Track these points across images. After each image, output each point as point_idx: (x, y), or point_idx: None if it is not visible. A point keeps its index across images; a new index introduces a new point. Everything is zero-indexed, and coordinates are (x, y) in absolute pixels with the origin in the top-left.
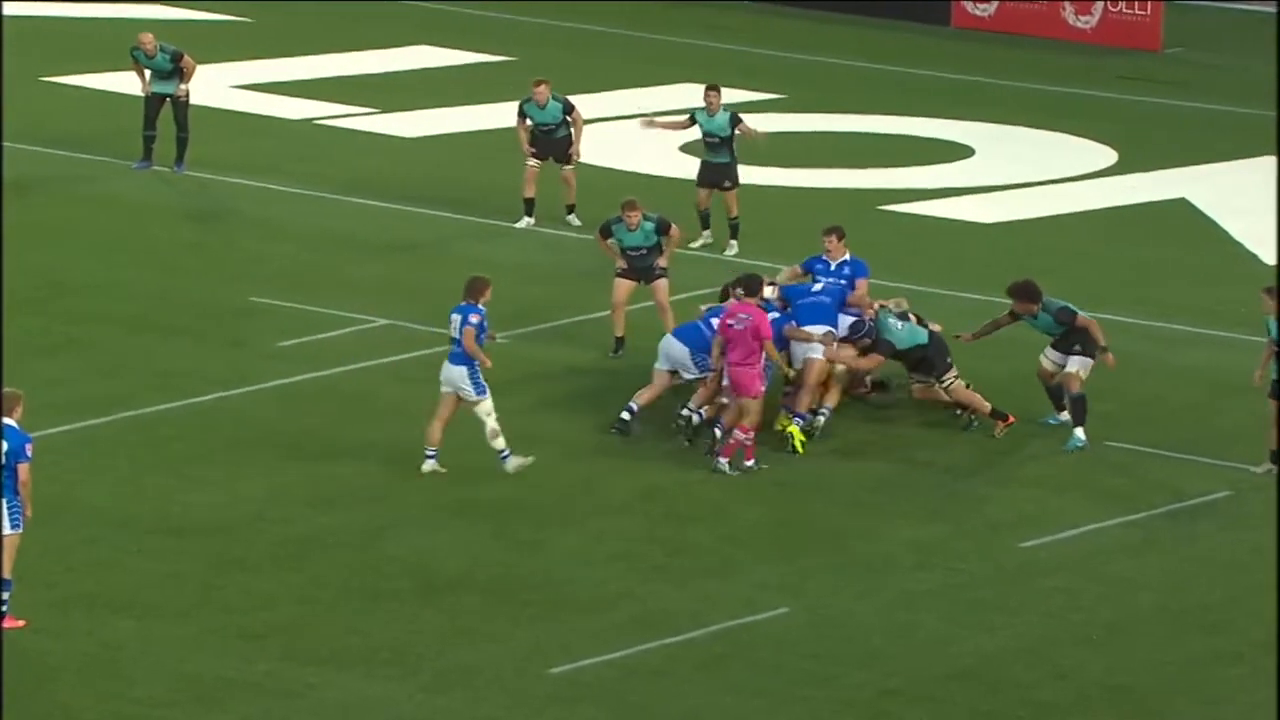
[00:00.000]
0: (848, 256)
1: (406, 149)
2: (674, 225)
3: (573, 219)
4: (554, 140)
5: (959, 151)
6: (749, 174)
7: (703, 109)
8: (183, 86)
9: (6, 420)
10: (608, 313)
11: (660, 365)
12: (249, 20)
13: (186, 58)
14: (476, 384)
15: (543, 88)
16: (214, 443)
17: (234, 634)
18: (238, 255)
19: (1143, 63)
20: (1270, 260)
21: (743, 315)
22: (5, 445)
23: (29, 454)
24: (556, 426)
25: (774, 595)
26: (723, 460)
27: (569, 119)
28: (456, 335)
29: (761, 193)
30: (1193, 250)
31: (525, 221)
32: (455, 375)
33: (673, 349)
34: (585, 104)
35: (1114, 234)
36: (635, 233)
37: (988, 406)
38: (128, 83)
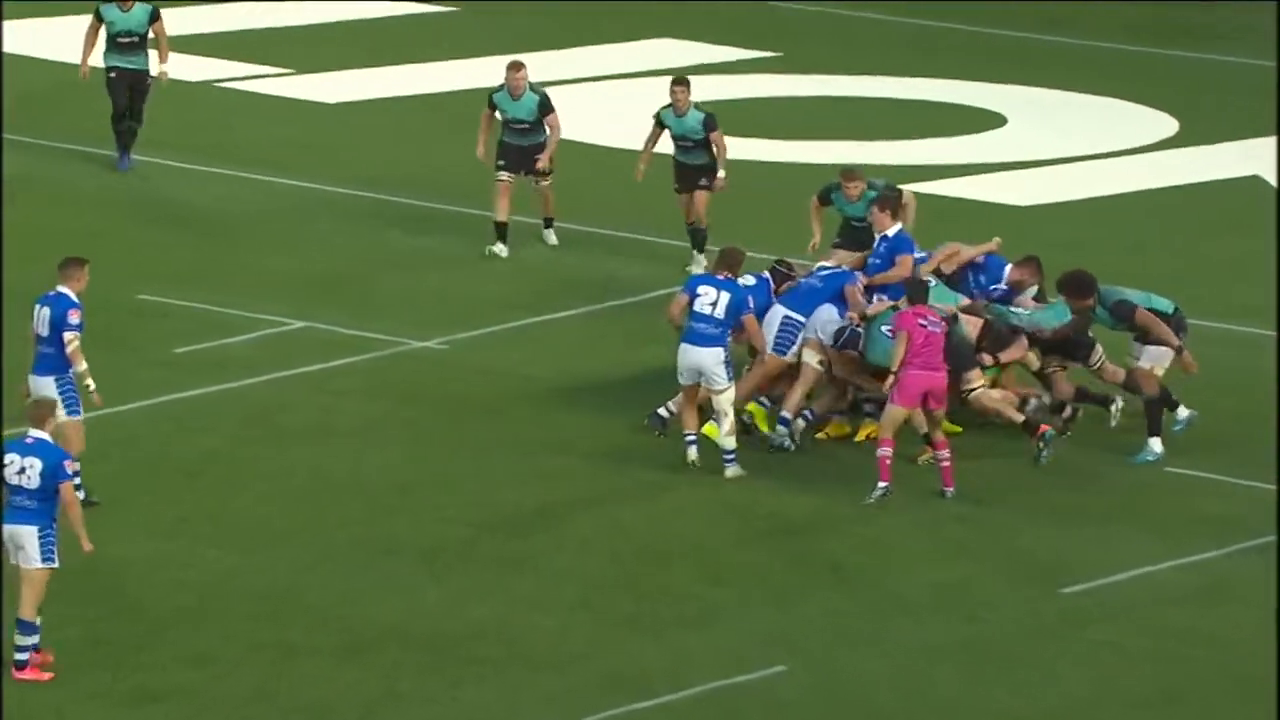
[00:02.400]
0: (891, 231)
1: (327, 117)
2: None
3: (550, 235)
4: (526, 147)
5: (989, 120)
6: (735, 146)
7: (669, 107)
8: (163, 68)
9: (37, 433)
10: (569, 313)
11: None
12: None
13: (162, 21)
14: (730, 370)
15: (521, 73)
16: (93, 469)
17: (120, 699)
18: (123, 244)
19: (1208, 14)
20: None
21: (932, 317)
22: (39, 464)
23: (70, 471)
24: (506, 447)
25: (767, 650)
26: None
27: (546, 122)
28: (711, 312)
29: (751, 169)
30: (1269, 237)
31: (499, 248)
32: (708, 359)
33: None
34: (546, 63)
35: (1174, 219)
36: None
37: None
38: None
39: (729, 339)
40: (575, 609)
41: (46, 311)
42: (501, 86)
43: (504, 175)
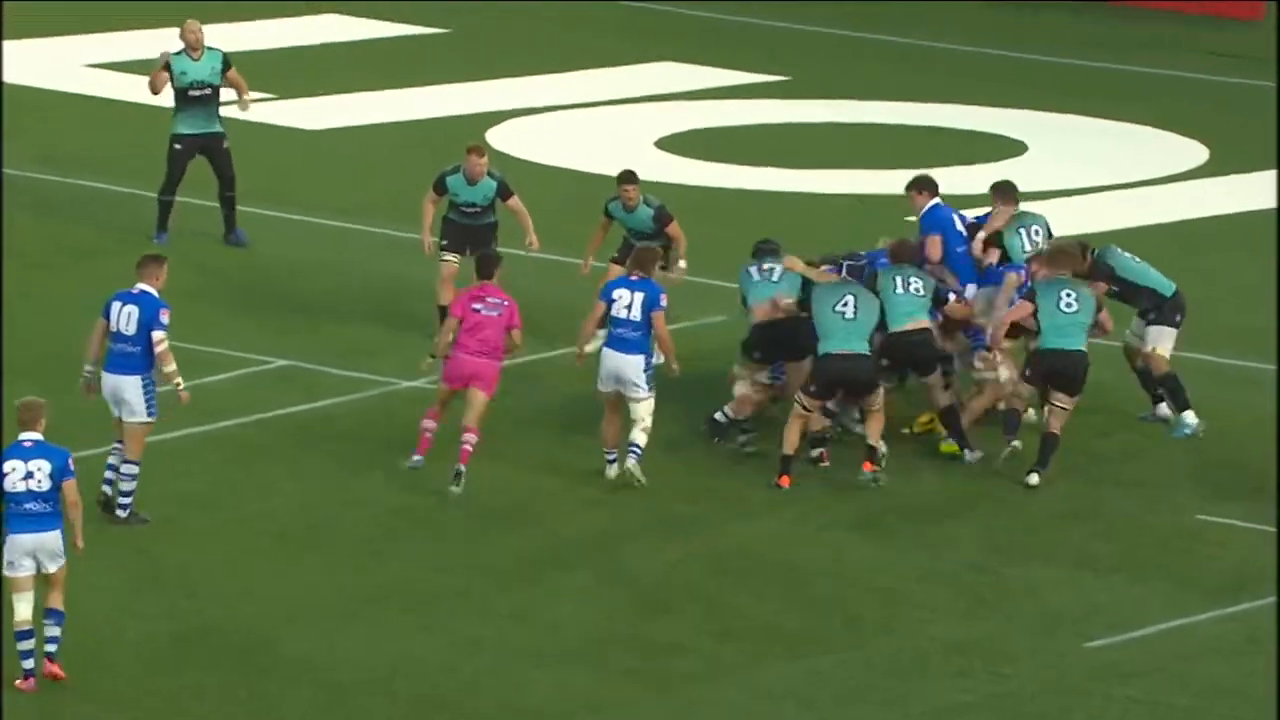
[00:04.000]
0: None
1: (309, 144)
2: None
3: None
4: (475, 228)
5: (1008, 147)
6: (734, 175)
7: (615, 201)
8: (245, 98)
9: (32, 436)
10: (562, 351)
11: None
12: None
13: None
14: (651, 378)
15: (484, 159)
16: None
17: None
18: (94, 276)
19: (1242, 35)
20: None
21: (494, 299)
22: (47, 466)
23: (73, 469)
24: (500, 491)
25: (777, 706)
26: (418, 456)
27: (509, 205)
28: (627, 315)
29: (755, 199)
30: None
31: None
32: (629, 367)
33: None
34: (538, 88)
35: (1204, 251)
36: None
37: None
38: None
39: (653, 346)
40: (574, 662)
41: (134, 310)
42: (456, 169)
43: (450, 257)
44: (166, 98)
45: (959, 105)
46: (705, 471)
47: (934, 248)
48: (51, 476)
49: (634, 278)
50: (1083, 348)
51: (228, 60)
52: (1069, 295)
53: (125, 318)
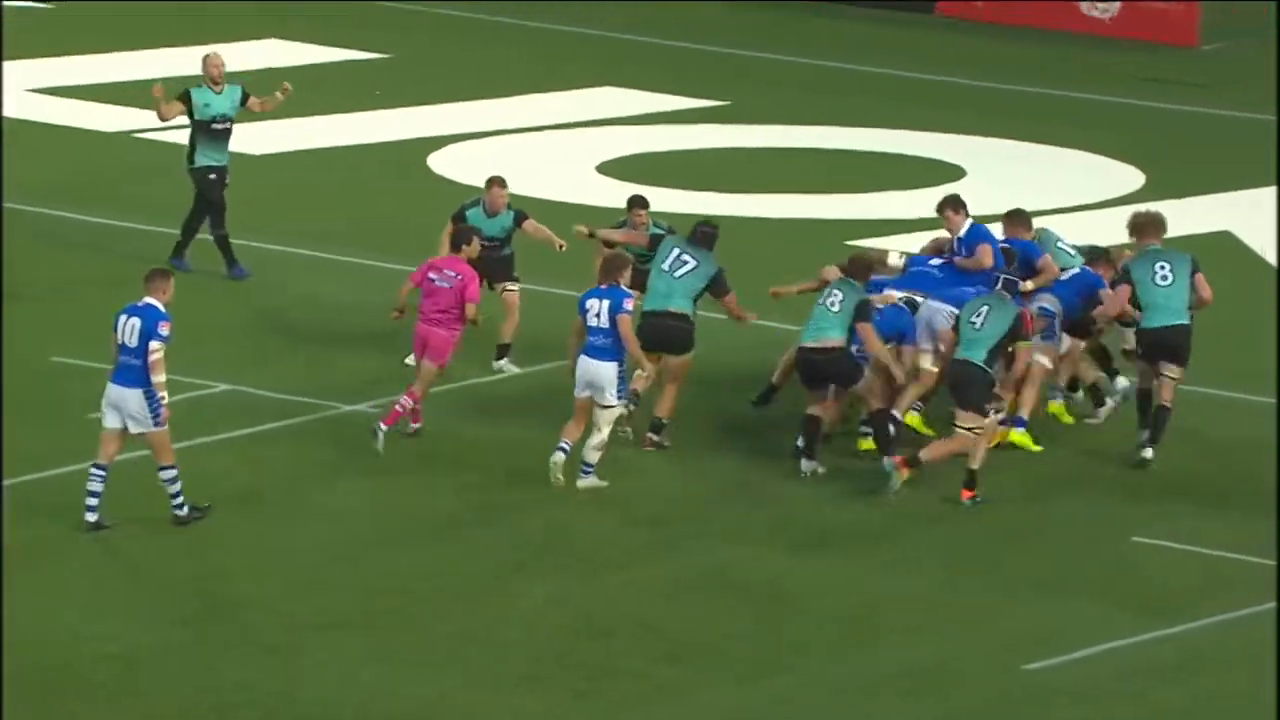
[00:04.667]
0: (962, 232)
1: (252, 169)
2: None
3: (505, 365)
4: (494, 260)
5: (946, 172)
6: (675, 199)
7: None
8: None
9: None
10: (505, 375)
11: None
12: (47, 6)
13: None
14: (622, 386)
15: (505, 191)
16: (15, 536)
17: None
18: (36, 303)
19: (1176, 61)
20: None
21: (450, 272)
22: (139, 324)
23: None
24: (447, 515)
25: None
26: (384, 426)
27: (525, 228)
28: (598, 323)
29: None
30: (1239, 296)
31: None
32: (604, 373)
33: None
34: (480, 113)
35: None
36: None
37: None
38: None
39: (624, 351)
40: (521, 686)
41: (137, 322)
42: (476, 201)
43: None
44: (112, 121)
45: (897, 130)
46: (665, 489)
47: (987, 255)
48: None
49: (604, 286)
50: (1186, 321)
51: (245, 92)
52: (1163, 267)
53: (129, 330)
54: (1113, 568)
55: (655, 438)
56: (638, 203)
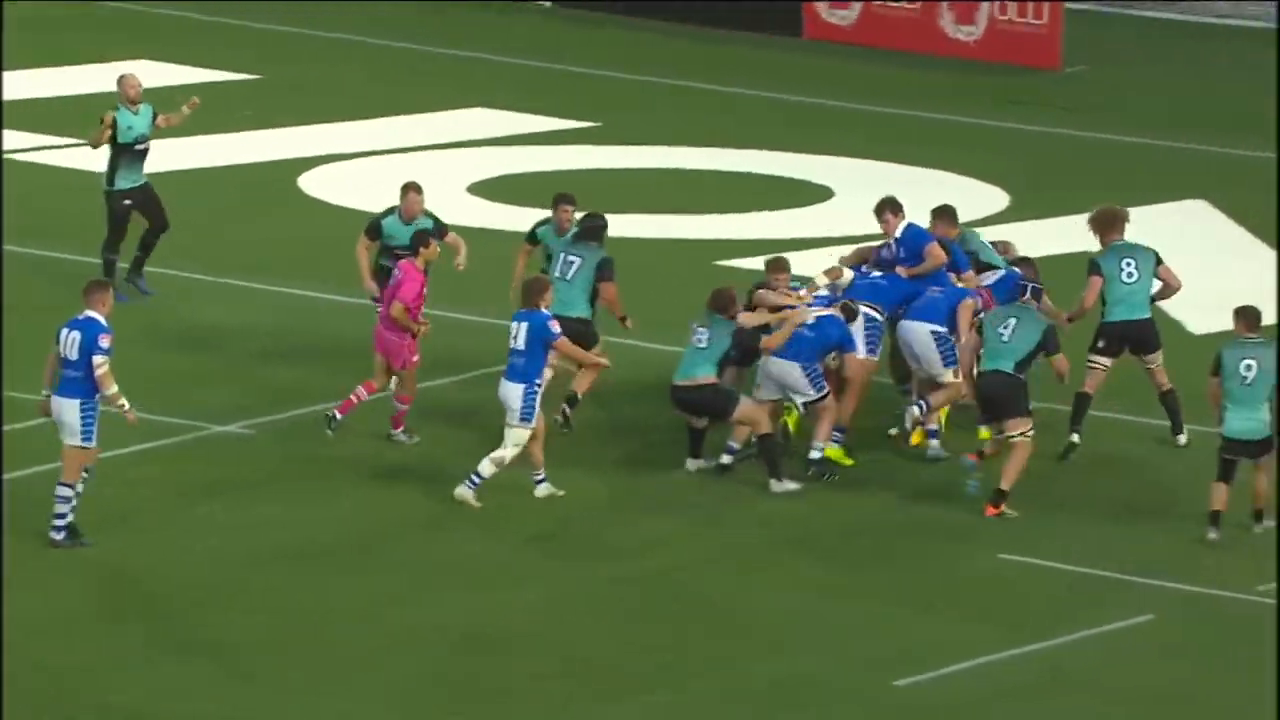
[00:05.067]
0: (898, 233)
1: None
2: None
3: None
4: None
5: (815, 193)
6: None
7: (547, 225)
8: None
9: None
10: (381, 396)
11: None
12: None
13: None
14: (529, 407)
15: (421, 197)
16: None
17: None
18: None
19: (1039, 83)
20: (1199, 330)
21: (398, 272)
22: (79, 337)
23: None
24: (315, 537)
25: None
26: (338, 415)
27: (446, 240)
28: (514, 345)
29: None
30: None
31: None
32: (513, 394)
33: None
34: (351, 133)
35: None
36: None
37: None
38: None
39: (541, 373)
40: (391, 711)
41: (76, 335)
42: (390, 211)
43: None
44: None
45: (766, 151)
46: (554, 505)
47: (938, 253)
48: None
49: (524, 309)
50: (1149, 315)
51: (155, 110)
52: (1129, 264)
53: (70, 344)
54: (981, 585)
55: (569, 411)
56: (563, 199)
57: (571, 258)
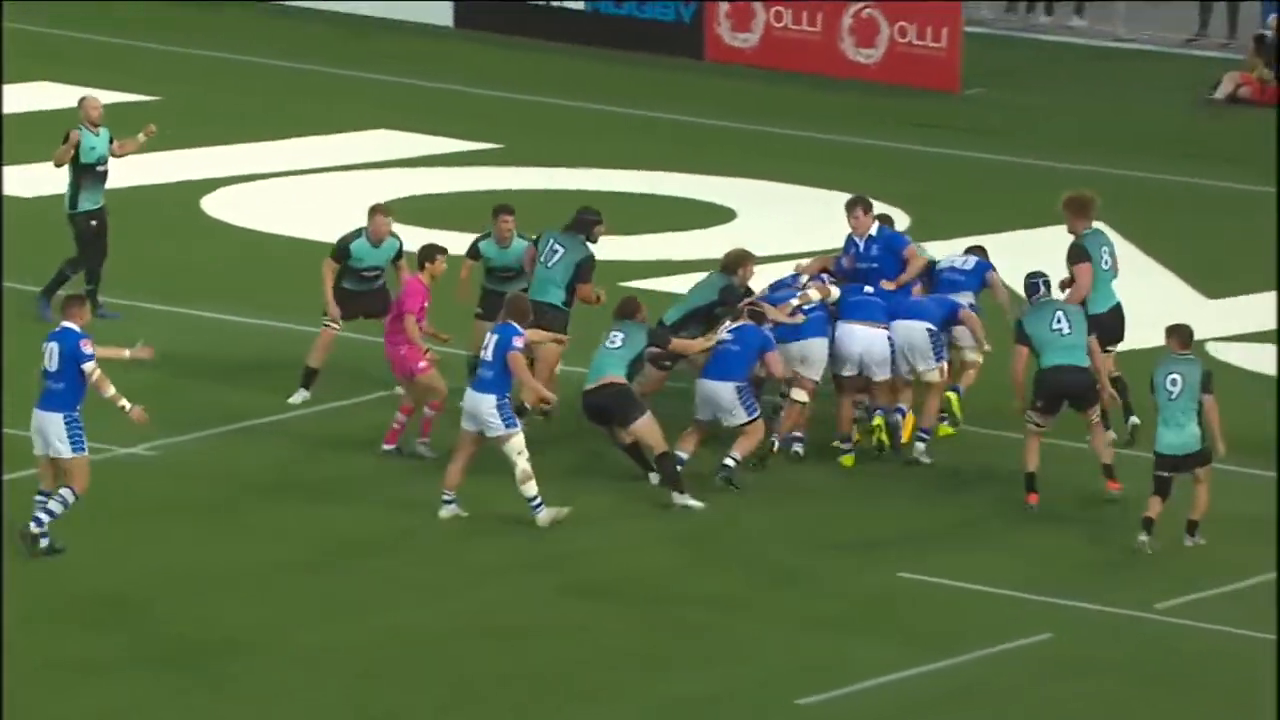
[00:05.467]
0: (873, 231)
1: (26, 211)
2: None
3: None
4: (371, 293)
5: (718, 214)
6: (450, 241)
7: (488, 238)
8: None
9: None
10: (283, 416)
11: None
12: None
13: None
14: (506, 416)
15: (386, 219)
16: None
17: None
18: None
19: (938, 105)
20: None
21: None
22: (57, 348)
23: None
24: (217, 557)
25: None
26: (386, 447)
27: (400, 264)
28: (486, 356)
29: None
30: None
31: (301, 395)
32: (482, 406)
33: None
34: (254, 154)
35: None
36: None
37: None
38: None
39: (510, 385)
40: None
41: (55, 346)
42: (359, 232)
43: (335, 325)
44: None
45: (670, 173)
46: (451, 528)
47: (917, 255)
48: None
49: (500, 323)
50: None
51: (110, 133)
52: (1106, 250)
53: (50, 355)
54: (882, 602)
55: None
56: (503, 210)
57: (557, 246)
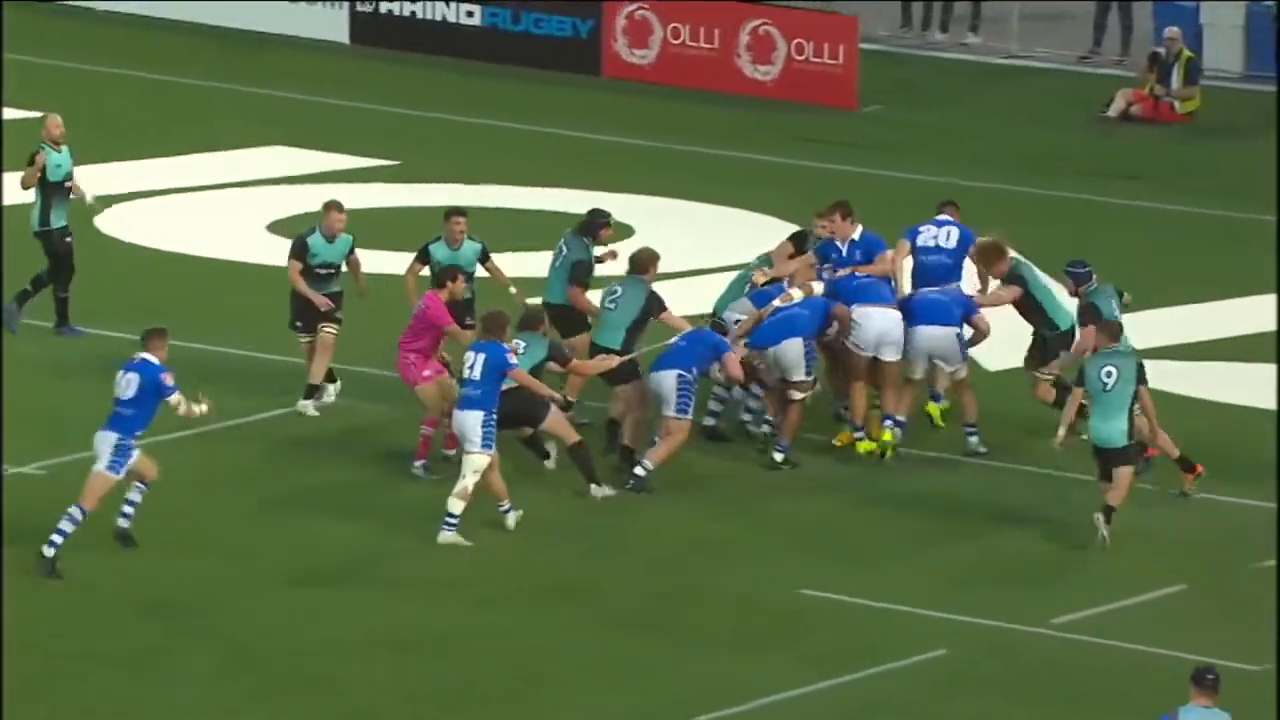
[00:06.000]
0: (856, 235)
1: None
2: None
3: (331, 391)
4: (328, 295)
5: (615, 231)
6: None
7: (439, 241)
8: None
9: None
10: (177, 435)
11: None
12: None
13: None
14: (488, 434)
15: (340, 215)
16: None
17: None
18: None
19: (835, 122)
20: (995, 367)
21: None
22: (137, 378)
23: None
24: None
25: None
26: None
27: (351, 259)
28: (470, 375)
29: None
30: None
31: (331, 391)
32: (468, 422)
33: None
34: (148, 171)
35: None
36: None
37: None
38: None
39: (497, 403)
40: None
41: (134, 377)
42: (313, 230)
43: (306, 338)
44: None
45: (566, 189)
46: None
47: (888, 260)
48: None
49: (481, 340)
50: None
51: (71, 154)
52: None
53: (127, 383)
54: (782, 619)
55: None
56: (456, 212)
57: (563, 248)
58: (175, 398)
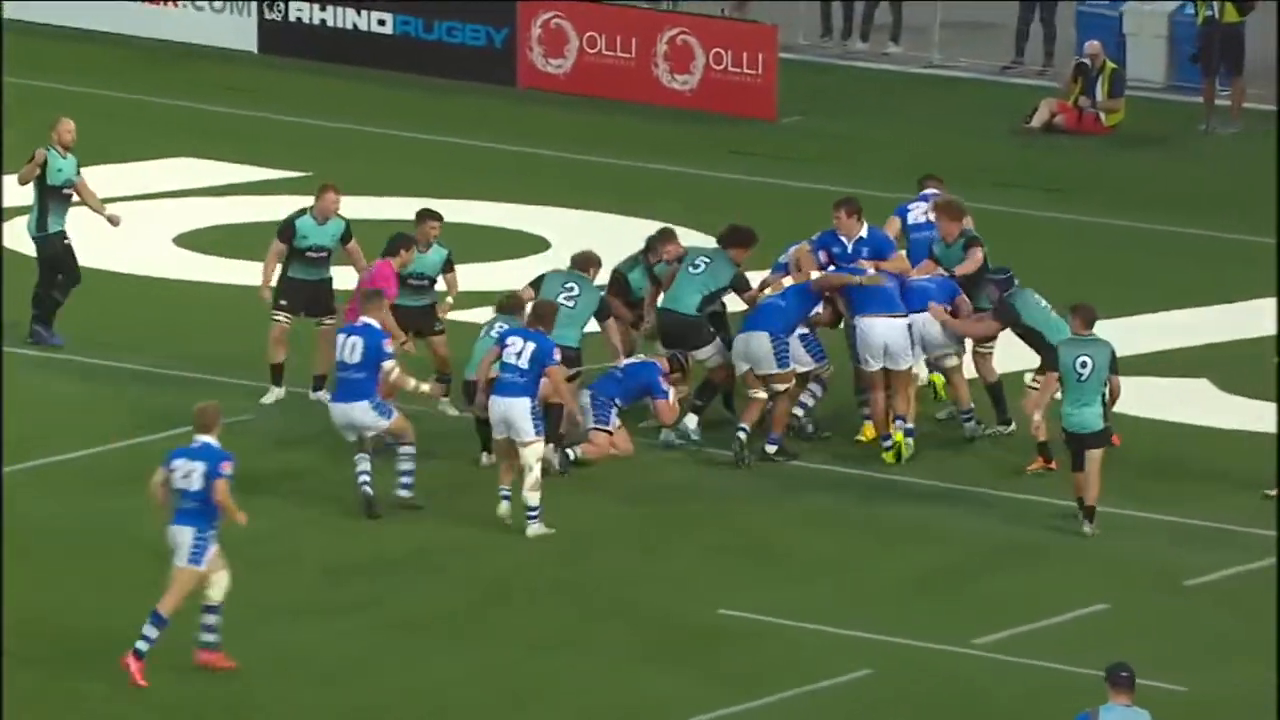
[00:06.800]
0: (864, 233)
1: None
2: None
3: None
4: (317, 283)
5: (532, 243)
6: (254, 272)
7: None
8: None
9: (203, 438)
10: (95, 449)
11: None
12: None
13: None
14: (537, 421)
15: (336, 196)
16: None
17: None
18: None
19: (755, 133)
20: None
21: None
22: (201, 466)
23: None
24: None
25: None
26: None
27: (349, 248)
28: (516, 362)
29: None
30: None
31: (274, 394)
32: (515, 411)
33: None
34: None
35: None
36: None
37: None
38: None
39: (536, 390)
40: None
41: (359, 341)
42: (303, 211)
43: (281, 317)
44: None
45: (482, 202)
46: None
47: (902, 259)
48: (204, 477)
49: (531, 329)
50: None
51: (78, 164)
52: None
53: (350, 348)
54: (700, 640)
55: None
56: (429, 214)
57: (700, 261)
58: (390, 364)
